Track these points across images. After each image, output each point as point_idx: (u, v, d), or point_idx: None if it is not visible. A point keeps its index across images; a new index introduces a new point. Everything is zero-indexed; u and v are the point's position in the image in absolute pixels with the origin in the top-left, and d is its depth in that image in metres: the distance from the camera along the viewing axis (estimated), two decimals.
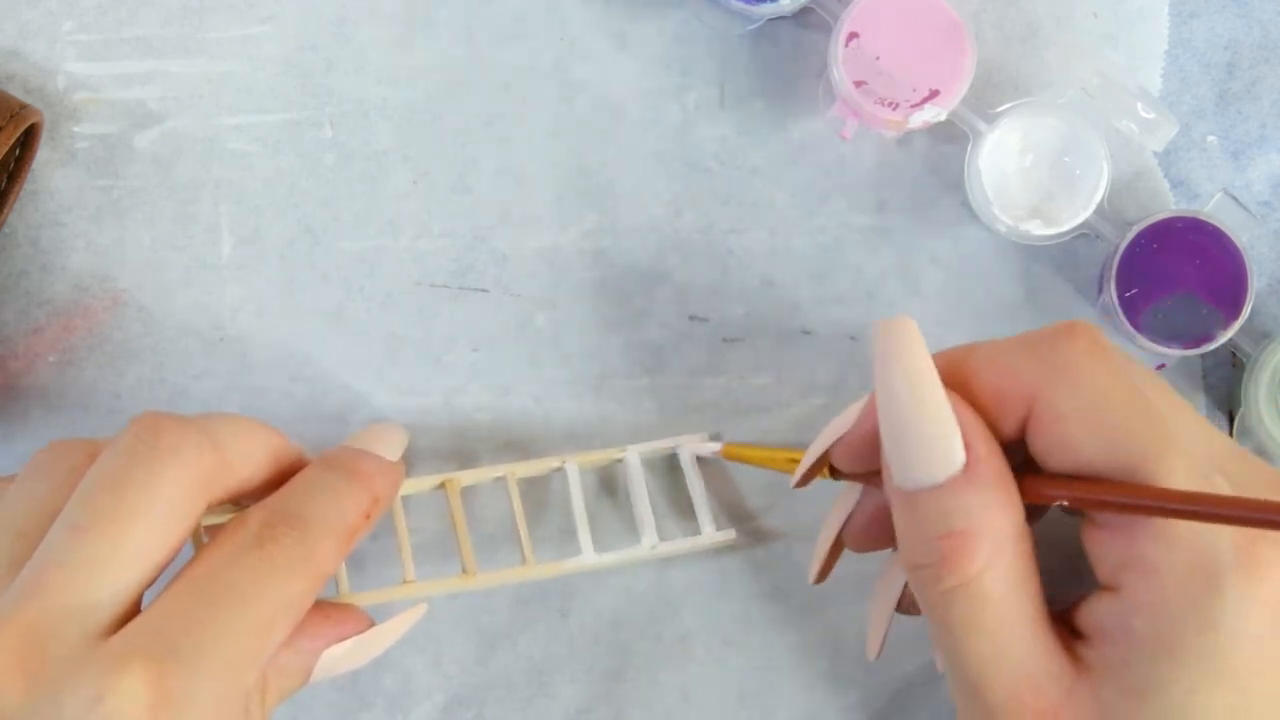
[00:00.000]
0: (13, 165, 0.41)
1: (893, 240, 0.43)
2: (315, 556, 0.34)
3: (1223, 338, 0.40)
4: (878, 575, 0.37)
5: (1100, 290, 0.41)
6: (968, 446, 0.32)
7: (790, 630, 0.42)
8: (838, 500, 0.37)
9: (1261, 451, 0.41)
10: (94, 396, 0.42)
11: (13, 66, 0.42)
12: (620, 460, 0.41)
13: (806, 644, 0.42)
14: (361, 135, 0.42)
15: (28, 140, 0.41)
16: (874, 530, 0.37)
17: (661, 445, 0.42)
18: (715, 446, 0.41)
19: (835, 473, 0.36)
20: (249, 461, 0.35)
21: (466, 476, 0.40)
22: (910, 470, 0.32)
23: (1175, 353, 0.40)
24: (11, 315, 0.42)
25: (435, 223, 0.42)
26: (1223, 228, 0.40)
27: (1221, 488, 0.31)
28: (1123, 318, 0.40)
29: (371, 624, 0.37)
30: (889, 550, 0.37)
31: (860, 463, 0.35)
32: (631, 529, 0.41)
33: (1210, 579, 0.31)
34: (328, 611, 0.37)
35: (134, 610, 0.32)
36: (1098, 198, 0.40)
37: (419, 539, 0.41)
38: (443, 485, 0.40)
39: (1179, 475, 0.31)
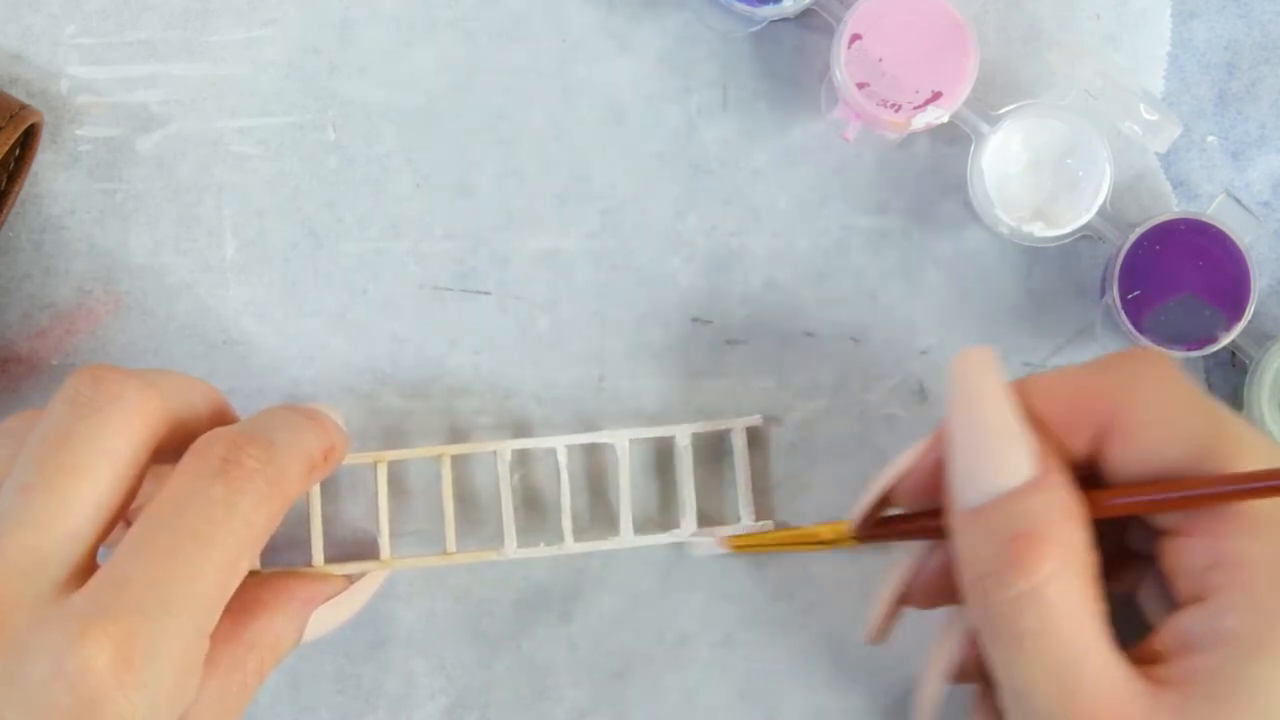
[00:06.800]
0: (12, 165, 0.41)
1: (895, 242, 0.43)
2: (283, 478, 0.33)
3: (1225, 339, 0.40)
4: (935, 635, 0.37)
5: (1103, 292, 0.41)
6: (1040, 458, 0.32)
7: (793, 631, 0.42)
8: (899, 559, 0.37)
9: None
10: None
11: (16, 70, 0.42)
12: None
13: (810, 645, 0.42)
14: (364, 138, 0.42)
15: (28, 141, 0.41)
16: (941, 585, 0.36)
17: (714, 427, 0.41)
18: (716, 548, 0.41)
19: (869, 535, 0.37)
20: (191, 410, 0.35)
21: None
22: (980, 479, 0.32)
23: (1178, 354, 0.40)
24: (14, 318, 0.42)
25: (438, 225, 0.42)
26: (1225, 230, 0.40)
27: None
28: (1125, 319, 0.40)
29: (349, 583, 0.39)
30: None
31: (924, 497, 0.35)
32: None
33: None
34: (313, 576, 0.38)
35: (89, 562, 0.32)
36: (1100, 199, 0.40)
37: (421, 540, 0.42)
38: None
39: (1260, 462, 0.32)
